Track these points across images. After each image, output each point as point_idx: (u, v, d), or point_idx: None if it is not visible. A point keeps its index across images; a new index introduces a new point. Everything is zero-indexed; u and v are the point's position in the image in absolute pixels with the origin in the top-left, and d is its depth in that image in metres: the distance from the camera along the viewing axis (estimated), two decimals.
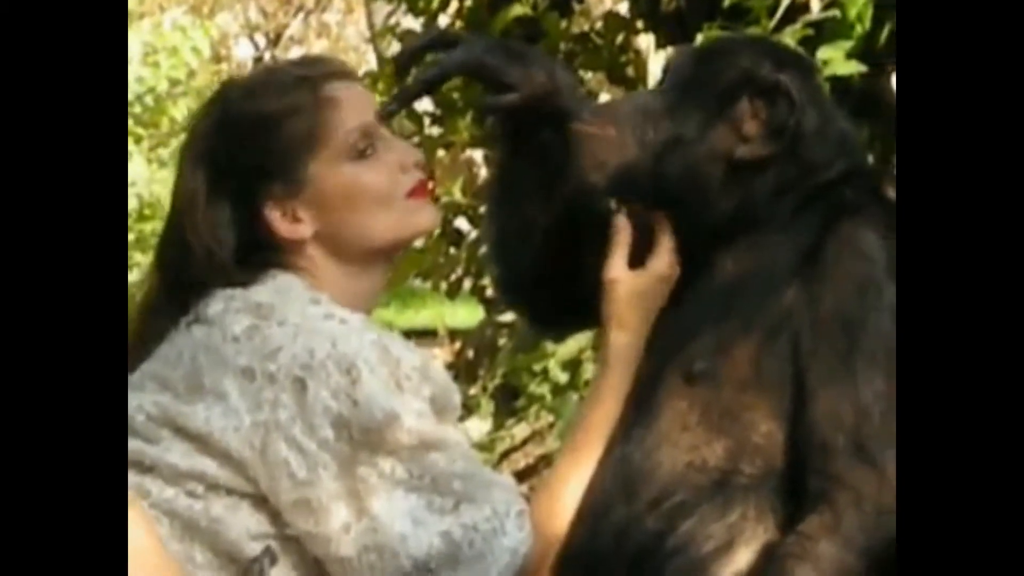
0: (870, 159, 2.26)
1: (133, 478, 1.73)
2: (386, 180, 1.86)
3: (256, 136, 1.86)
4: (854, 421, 1.77)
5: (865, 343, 1.78)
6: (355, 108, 1.88)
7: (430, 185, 1.94)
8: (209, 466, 1.73)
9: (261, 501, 1.74)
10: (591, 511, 1.87)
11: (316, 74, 1.88)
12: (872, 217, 1.85)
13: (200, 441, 1.73)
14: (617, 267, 1.93)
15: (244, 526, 1.74)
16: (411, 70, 1.95)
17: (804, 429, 1.80)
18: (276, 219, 1.85)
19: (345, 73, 1.93)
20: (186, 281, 1.84)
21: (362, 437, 1.70)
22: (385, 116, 1.90)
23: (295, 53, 15.73)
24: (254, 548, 1.74)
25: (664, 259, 1.93)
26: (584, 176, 1.96)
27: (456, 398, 1.80)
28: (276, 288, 1.81)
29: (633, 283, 1.93)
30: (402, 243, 1.92)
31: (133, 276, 9.93)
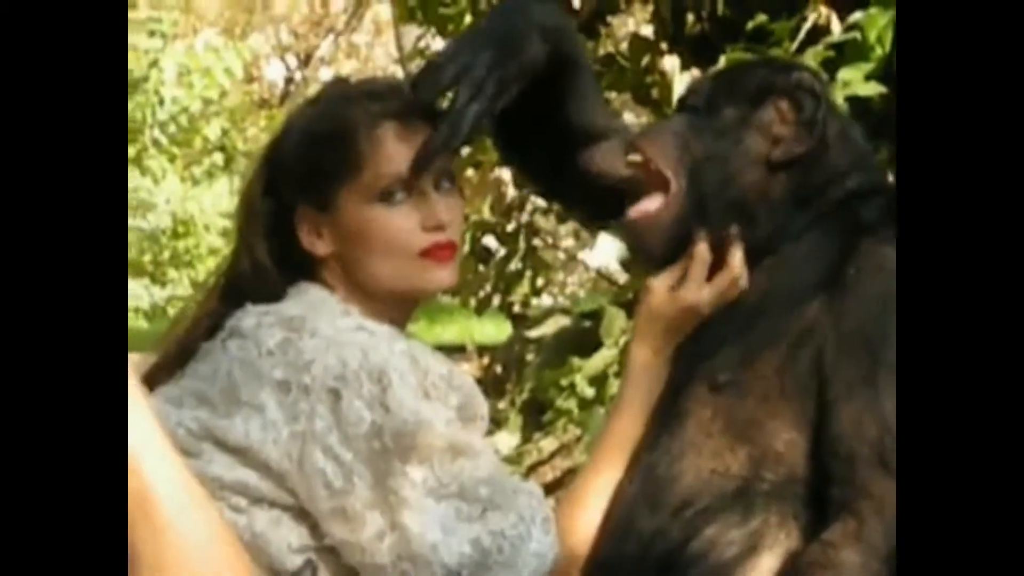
0: (889, 176, 2.29)
1: None
2: (403, 232, 1.85)
3: (305, 148, 1.89)
4: (877, 433, 1.79)
5: (887, 357, 1.79)
6: (402, 153, 1.85)
7: (450, 249, 1.87)
8: (251, 477, 1.75)
9: (301, 513, 1.76)
10: (617, 519, 1.90)
11: (380, 110, 1.87)
12: (893, 234, 1.84)
13: (240, 454, 1.75)
14: (658, 280, 1.96)
15: (286, 540, 1.75)
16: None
17: (827, 440, 1.82)
18: (303, 229, 1.88)
19: (417, 112, 1.88)
20: (236, 287, 1.89)
21: (394, 443, 1.72)
22: (416, 170, 1.86)
23: (325, 74, 15.77)
24: (295, 561, 1.76)
25: (692, 290, 1.93)
26: (641, 257, 2.04)
27: (483, 408, 1.82)
28: (307, 301, 1.84)
29: (658, 301, 1.95)
30: (407, 297, 1.89)
31: (166, 292, 9.93)
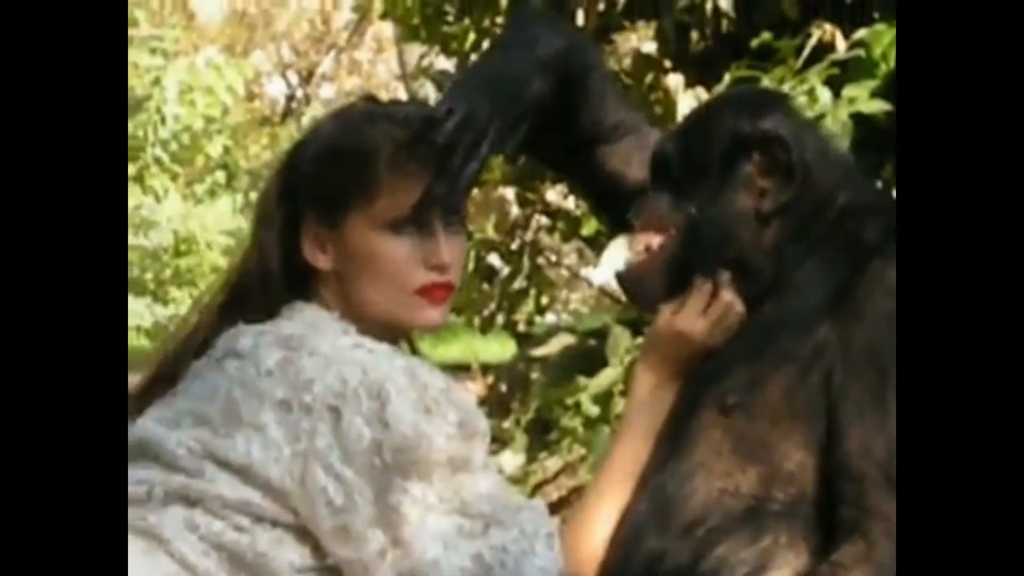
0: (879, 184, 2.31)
1: (182, 512, 1.75)
2: (405, 265, 1.85)
3: (324, 163, 1.89)
4: (886, 454, 1.79)
5: (896, 378, 1.79)
6: (417, 188, 1.85)
7: (446, 290, 1.87)
8: (254, 496, 1.74)
9: (304, 533, 1.75)
10: (625, 539, 1.90)
11: (404, 136, 1.87)
12: None
13: (242, 473, 1.75)
14: (665, 307, 1.98)
15: (288, 559, 1.75)
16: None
17: (837, 460, 1.82)
18: (308, 240, 1.88)
19: (436, 147, 1.87)
20: (240, 294, 1.89)
21: (394, 459, 1.72)
22: (416, 212, 1.85)
23: (327, 91, 15.79)
24: None
25: (686, 319, 1.95)
26: (639, 305, 2.08)
27: (483, 424, 1.81)
28: (304, 320, 1.84)
29: (661, 327, 1.98)
30: (396, 329, 1.88)
31: (168, 311, 9.90)
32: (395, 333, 1.90)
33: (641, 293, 2.04)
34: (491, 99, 1.92)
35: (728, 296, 1.94)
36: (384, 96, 2.09)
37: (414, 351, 1.94)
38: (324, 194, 1.87)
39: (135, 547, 1.71)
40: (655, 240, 2.00)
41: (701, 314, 1.95)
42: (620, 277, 2.05)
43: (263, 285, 1.89)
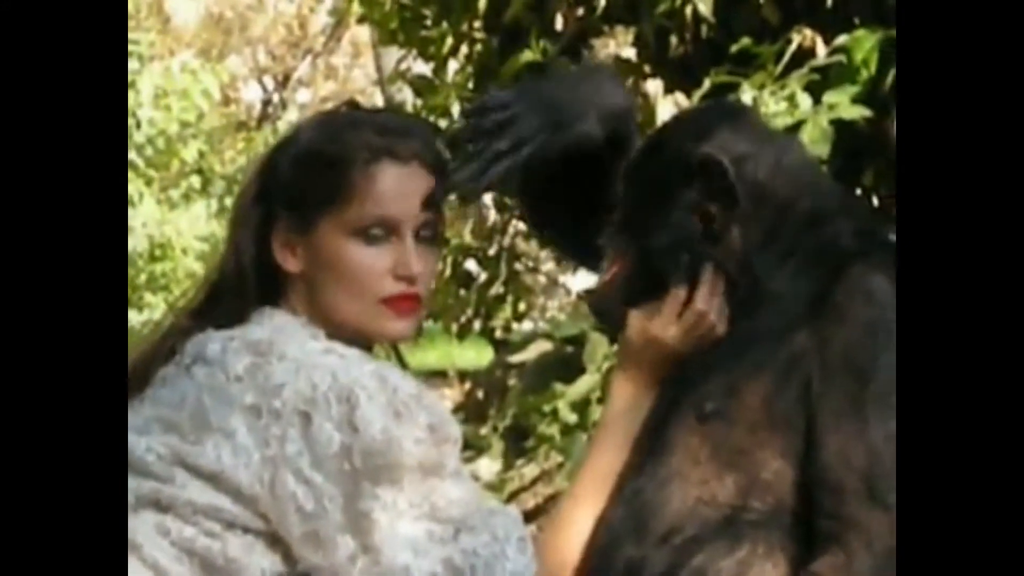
0: (858, 191, 2.30)
1: (153, 517, 1.74)
2: (373, 274, 1.84)
3: (299, 166, 1.88)
4: (865, 463, 1.78)
5: (876, 386, 1.79)
6: (393, 198, 1.84)
7: (414, 302, 1.86)
8: (224, 502, 1.74)
9: (274, 539, 1.74)
10: (600, 546, 1.89)
11: (383, 145, 1.86)
12: (878, 261, 1.87)
13: (212, 479, 1.74)
14: (635, 314, 1.96)
15: (259, 566, 1.74)
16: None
17: (815, 470, 1.81)
18: (278, 241, 1.87)
19: (419, 158, 1.87)
20: (214, 294, 1.89)
21: (364, 464, 1.71)
22: (426, 205, 1.86)
23: (303, 96, 15.78)
24: None
25: (659, 325, 1.94)
26: (607, 324, 2.09)
27: (455, 429, 1.80)
28: (272, 326, 1.83)
29: (633, 334, 1.96)
30: (361, 337, 1.86)
31: (143, 316, 9.88)
32: (363, 341, 1.88)
33: (603, 315, 2.06)
34: (544, 116, 1.93)
35: (701, 304, 1.92)
36: (360, 100, 2.09)
37: (399, 356, 1.94)
38: (297, 197, 1.87)
39: None
40: (615, 267, 1.99)
41: (675, 320, 1.93)
42: (586, 299, 2.06)
43: (238, 286, 1.88)
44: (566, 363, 3.75)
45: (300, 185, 1.87)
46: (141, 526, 1.74)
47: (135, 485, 1.75)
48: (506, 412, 3.99)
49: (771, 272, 1.93)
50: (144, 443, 1.77)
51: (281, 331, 1.82)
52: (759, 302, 1.92)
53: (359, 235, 1.84)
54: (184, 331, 1.87)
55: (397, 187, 1.85)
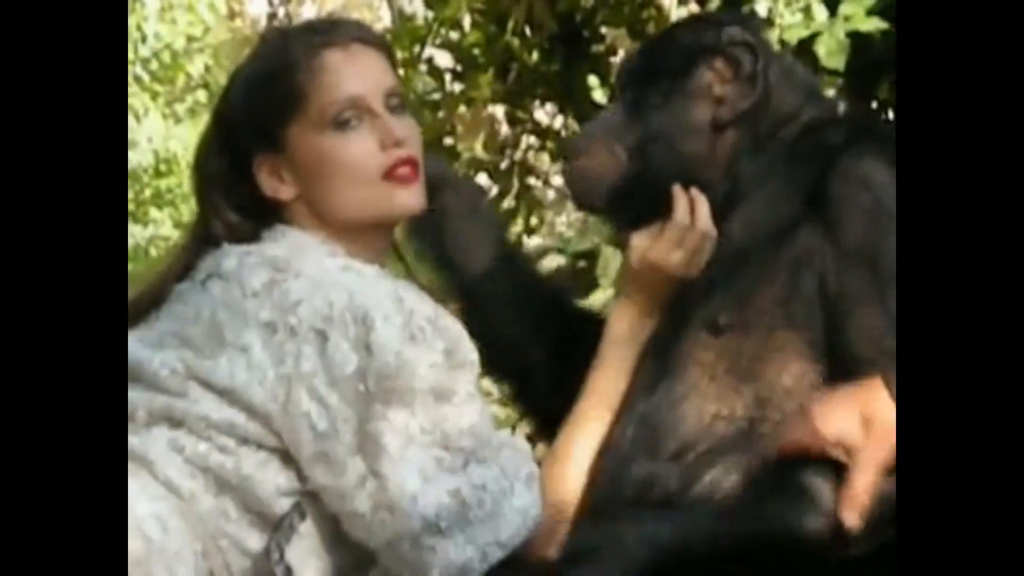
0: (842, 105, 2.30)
1: (166, 433, 1.74)
2: (361, 156, 1.83)
3: (250, 93, 1.87)
4: (890, 339, 1.74)
5: (886, 266, 1.77)
6: (347, 78, 1.84)
7: (411, 166, 1.86)
8: (238, 418, 1.73)
9: (288, 457, 1.74)
10: (611, 465, 1.88)
11: (319, 40, 1.86)
12: (870, 147, 1.87)
13: (226, 395, 1.73)
14: (637, 237, 1.94)
15: (274, 483, 1.74)
16: None
17: (839, 351, 1.81)
18: (263, 176, 1.86)
19: (359, 39, 1.88)
20: (202, 235, 1.87)
21: (377, 386, 1.70)
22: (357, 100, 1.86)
23: (309, 10, 15.67)
24: (283, 504, 1.74)
25: (660, 250, 1.91)
26: (582, 205, 2.05)
27: (472, 354, 1.79)
28: (289, 243, 1.82)
29: (635, 258, 1.94)
30: (380, 223, 1.87)
31: (148, 232, 9.89)
32: (380, 235, 1.88)
33: (582, 197, 2.03)
34: None
35: (704, 224, 1.91)
36: (367, 14, 2.09)
37: (409, 272, 1.93)
38: (261, 122, 1.85)
39: None
40: (608, 148, 1.98)
41: (677, 245, 1.91)
42: (568, 175, 2.03)
43: (234, 238, 1.85)
44: (579, 278, 3.73)
45: (259, 110, 1.85)
46: (154, 442, 1.73)
47: (147, 400, 1.75)
48: None
49: (761, 177, 1.93)
50: (158, 358, 1.76)
51: (299, 247, 1.80)
52: (753, 207, 1.92)
53: (332, 126, 1.83)
54: (196, 252, 1.86)
55: (347, 68, 1.85)
